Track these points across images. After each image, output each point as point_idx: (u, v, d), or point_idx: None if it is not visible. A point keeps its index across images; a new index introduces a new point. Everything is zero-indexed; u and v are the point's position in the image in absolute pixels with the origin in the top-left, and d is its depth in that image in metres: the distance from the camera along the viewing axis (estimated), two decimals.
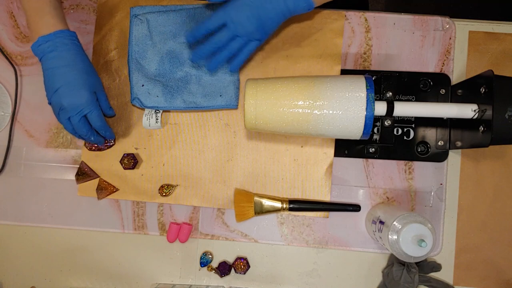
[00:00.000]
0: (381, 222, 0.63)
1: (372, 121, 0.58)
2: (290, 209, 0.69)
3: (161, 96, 0.69)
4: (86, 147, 0.72)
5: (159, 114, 0.70)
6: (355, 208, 0.70)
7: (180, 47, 0.71)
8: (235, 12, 0.61)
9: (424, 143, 0.70)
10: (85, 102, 0.63)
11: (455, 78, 0.72)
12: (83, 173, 0.71)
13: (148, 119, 0.70)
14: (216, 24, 0.62)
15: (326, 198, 0.71)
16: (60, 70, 0.62)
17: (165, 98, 0.69)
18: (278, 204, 0.69)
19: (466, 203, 0.71)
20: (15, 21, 0.75)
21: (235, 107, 0.70)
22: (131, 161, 0.71)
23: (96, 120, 0.64)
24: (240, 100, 0.71)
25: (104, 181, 0.72)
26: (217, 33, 0.63)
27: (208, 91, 0.70)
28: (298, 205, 0.69)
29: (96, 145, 0.72)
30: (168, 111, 0.72)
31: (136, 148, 0.72)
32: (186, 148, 0.72)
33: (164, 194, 0.71)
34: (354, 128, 0.58)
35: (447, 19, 0.72)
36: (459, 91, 0.68)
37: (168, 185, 0.71)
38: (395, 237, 0.60)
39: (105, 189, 0.71)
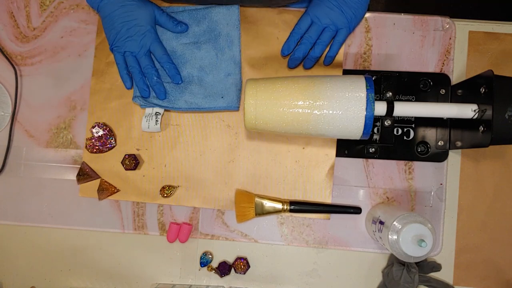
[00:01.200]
0: (381, 222, 0.63)
1: (372, 121, 0.58)
2: (291, 211, 0.69)
3: None
4: (87, 149, 0.72)
5: (159, 117, 0.70)
6: (356, 210, 0.70)
7: (182, 48, 0.71)
8: (317, 7, 0.67)
9: (424, 143, 0.70)
10: (147, 36, 0.67)
11: (455, 78, 0.72)
12: (84, 174, 0.71)
13: (147, 121, 0.69)
14: (304, 27, 0.68)
15: (328, 200, 0.71)
16: (116, 13, 0.65)
17: (167, 98, 0.69)
18: (279, 206, 0.69)
19: (466, 203, 0.71)
20: (15, 21, 0.75)
21: (237, 109, 0.70)
22: (132, 162, 0.71)
23: (159, 52, 0.68)
24: (241, 101, 0.71)
25: (106, 182, 0.72)
26: (305, 33, 0.68)
27: (210, 92, 0.70)
28: (299, 206, 0.69)
29: (97, 147, 0.71)
30: (169, 111, 0.72)
31: (138, 149, 0.72)
32: (188, 149, 0.72)
33: (165, 195, 0.71)
34: (354, 128, 0.58)
35: (447, 19, 0.72)
36: (459, 91, 0.68)
37: (169, 186, 0.71)
38: (395, 237, 0.60)
39: (106, 190, 0.71)
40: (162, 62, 0.69)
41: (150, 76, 0.68)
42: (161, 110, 0.70)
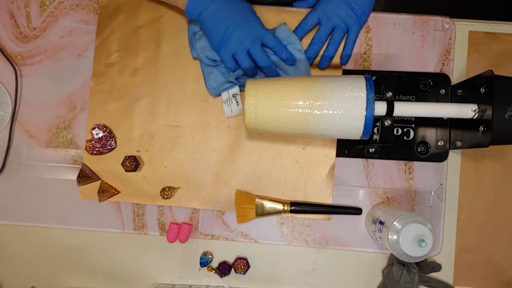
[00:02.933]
0: (381, 222, 0.63)
1: (372, 121, 0.58)
2: (292, 212, 0.69)
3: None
4: (88, 151, 0.72)
5: (238, 97, 0.69)
6: (356, 211, 0.70)
7: None
8: (325, 5, 0.67)
9: (424, 143, 0.70)
10: (260, 29, 0.64)
11: (455, 78, 0.72)
12: (85, 176, 0.71)
13: (229, 106, 0.69)
14: (311, 23, 0.68)
15: (328, 200, 0.71)
16: (224, 14, 0.62)
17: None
18: (279, 206, 0.69)
19: (466, 203, 0.71)
20: (15, 21, 0.75)
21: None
22: (132, 163, 0.71)
23: (272, 41, 0.65)
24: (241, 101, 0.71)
25: (106, 183, 0.72)
26: (315, 32, 0.68)
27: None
28: (300, 207, 0.69)
29: (97, 149, 0.71)
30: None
31: (138, 151, 0.72)
32: (188, 150, 0.72)
33: (166, 196, 0.71)
34: (354, 128, 0.58)
35: (447, 19, 0.72)
36: (459, 91, 0.68)
37: (169, 188, 0.71)
38: (395, 237, 0.60)
39: (106, 191, 0.71)
40: (276, 51, 0.66)
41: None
42: (237, 90, 0.69)
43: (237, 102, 0.69)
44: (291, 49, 0.68)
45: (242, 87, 0.70)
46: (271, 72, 0.67)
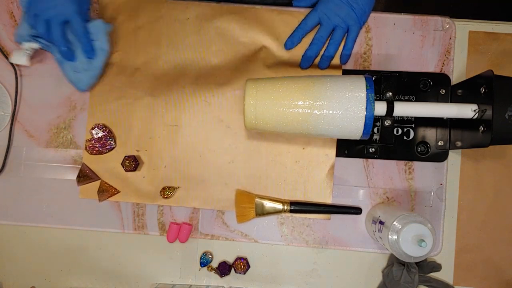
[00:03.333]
0: (381, 222, 0.63)
1: (372, 121, 0.58)
2: (291, 211, 0.69)
3: None
4: (87, 151, 0.72)
5: (30, 52, 0.69)
6: (356, 211, 0.70)
7: None
8: (325, 4, 0.67)
9: (424, 143, 0.70)
10: (70, 9, 0.63)
11: (455, 78, 0.72)
12: (85, 175, 0.71)
13: (21, 55, 0.69)
14: (311, 23, 0.68)
15: (328, 200, 0.71)
16: None
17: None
18: (279, 206, 0.69)
19: (466, 203, 0.71)
20: (15, 21, 0.75)
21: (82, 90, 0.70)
22: (132, 163, 0.71)
23: (78, 27, 0.64)
24: (241, 100, 0.71)
25: (106, 183, 0.72)
26: (316, 32, 0.68)
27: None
28: (299, 207, 0.69)
29: (97, 148, 0.71)
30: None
31: (138, 150, 0.72)
32: (188, 150, 0.72)
33: (165, 196, 0.71)
34: (354, 128, 0.58)
35: (447, 19, 0.72)
36: (459, 91, 0.68)
37: (169, 187, 0.71)
38: (395, 237, 0.60)
39: (106, 191, 0.71)
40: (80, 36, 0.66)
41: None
42: (36, 46, 0.69)
43: (29, 56, 0.69)
44: (96, 45, 0.67)
45: (43, 46, 0.69)
46: (63, 53, 0.66)
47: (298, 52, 0.72)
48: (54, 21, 0.64)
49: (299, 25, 0.70)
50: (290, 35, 0.71)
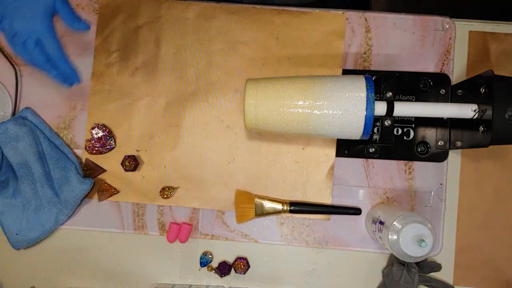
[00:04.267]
0: (381, 222, 0.63)
1: (372, 121, 0.58)
2: (291, 211, 0.69)
3: None
4: (87, 151, 0.72)
5: None
6: (356, 211, 0.70)
7: None
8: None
9: (424, 143, 0.70)
10: (38, 25, 0.55)
11: (455, 78, 0.72)
12: (90, 169, 0.71)
13: None
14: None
15: (328, 200, 0.71)
16: None
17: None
18: (279, 206, 0.69)
19: (466, 203, 0.71)
20: None
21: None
22: (132, 163, 0.71)
23: (51, 46, 0.57)
24: (241, 100, 0.71)
25: (105, 183, 0.72)
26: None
27: None
28: (299, 207, 0.69)
29: (97, 148, 0.71)
30: None
31: (138, 150, 0.72)
32: (188, 150, 0.72)
33: (165, 196, 0.71)
34: (354, 128, 0.58)
35: (447, 19, 0.72)
36: (459, 91, 0.68)
37: (169, 187, 0.71)
38: (395, 237, 0.60)
39: (106, 191, 0.71)
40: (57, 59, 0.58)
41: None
42: None
43: None
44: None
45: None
46: (58, 78, 0.59)
47: (298, 52, 0.72)
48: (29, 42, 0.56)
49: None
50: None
